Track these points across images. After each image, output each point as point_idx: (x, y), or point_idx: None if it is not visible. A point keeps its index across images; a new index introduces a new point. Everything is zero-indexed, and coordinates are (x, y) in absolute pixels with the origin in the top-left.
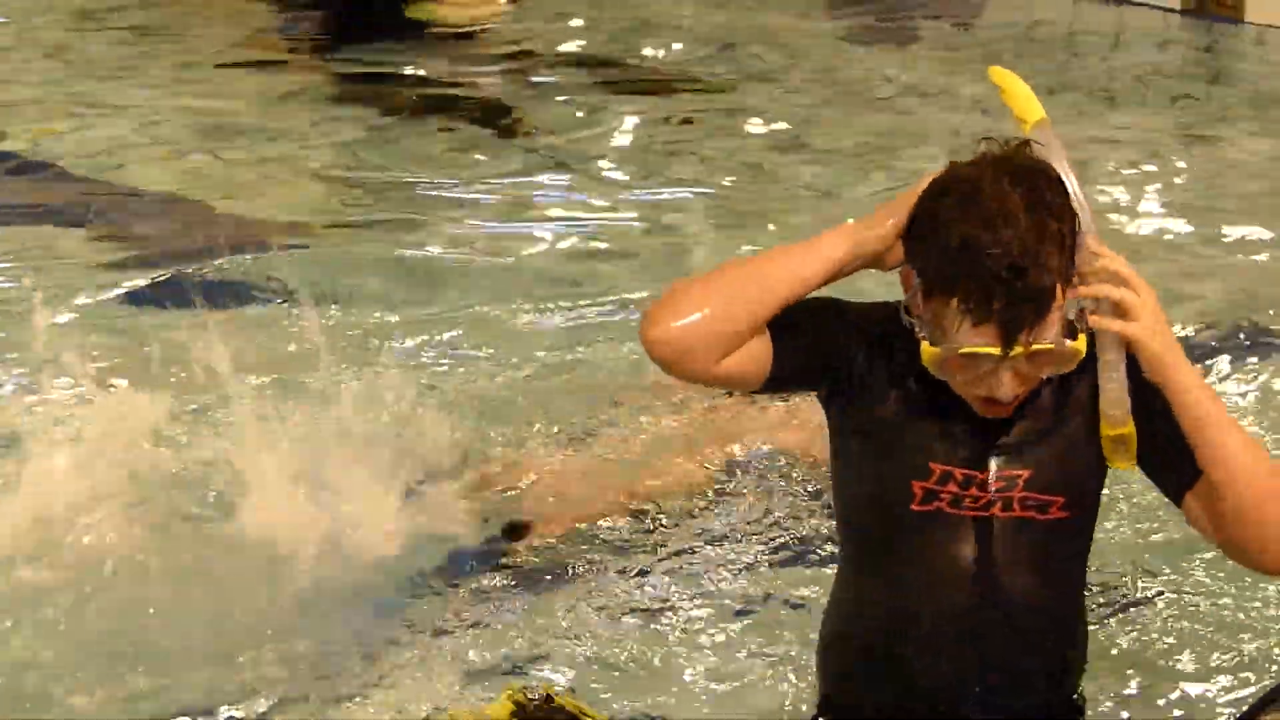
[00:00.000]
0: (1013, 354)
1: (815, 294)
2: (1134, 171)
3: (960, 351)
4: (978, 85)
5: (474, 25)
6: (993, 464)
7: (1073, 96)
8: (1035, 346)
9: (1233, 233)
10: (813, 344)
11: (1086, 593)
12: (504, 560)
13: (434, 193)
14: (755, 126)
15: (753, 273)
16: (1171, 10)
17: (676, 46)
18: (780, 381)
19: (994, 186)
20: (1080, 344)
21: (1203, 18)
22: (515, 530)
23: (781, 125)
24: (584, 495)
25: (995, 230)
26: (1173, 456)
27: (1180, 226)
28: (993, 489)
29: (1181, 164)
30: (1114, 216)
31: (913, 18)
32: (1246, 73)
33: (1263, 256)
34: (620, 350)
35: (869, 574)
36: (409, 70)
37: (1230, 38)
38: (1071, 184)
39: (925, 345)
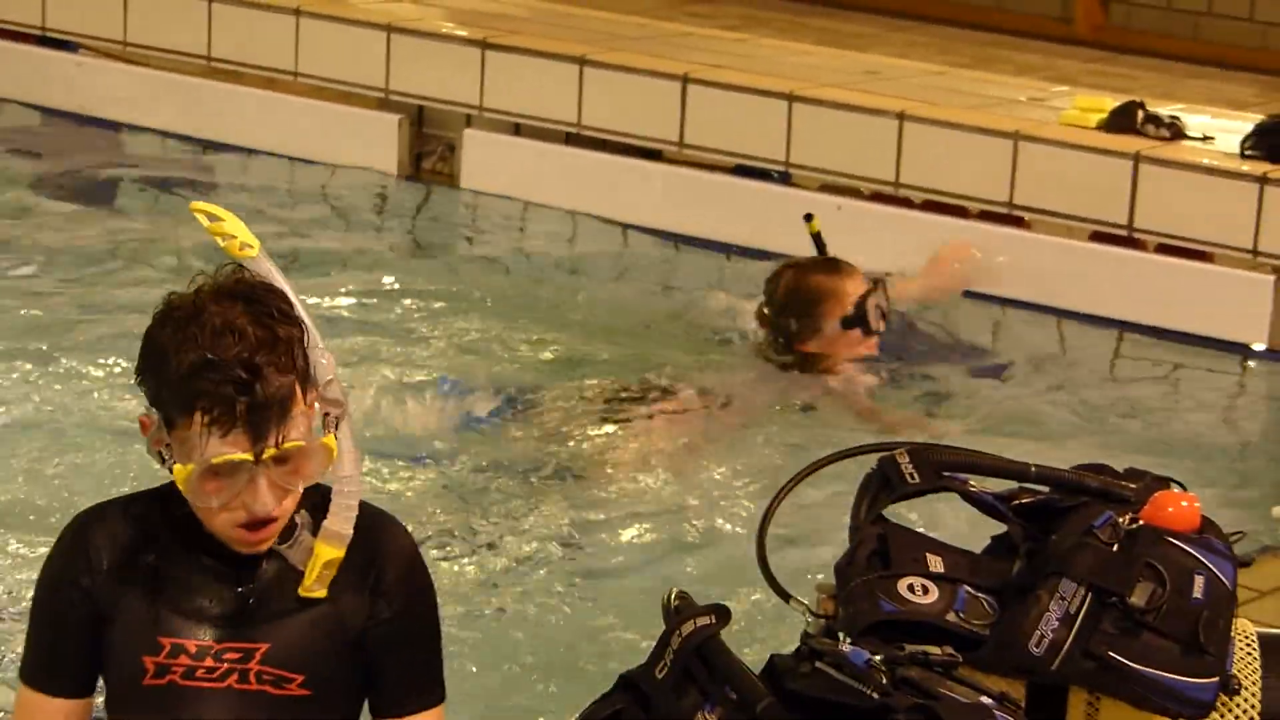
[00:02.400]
0: (265, 455)
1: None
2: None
3: (213, 462)
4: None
5: None
6: (229, 636)
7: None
8: (286, 445)
9: None
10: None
11: None
12: None
13: None
14: None
15: None
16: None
17: None
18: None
19: (215, 305)
20: (331, 441)
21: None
22: None
23: None
24: None
25: (224, 342)
26: (404, 682)
27: None
28: (226, 661)
29: None
30: None
31: None
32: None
33: None
34: None
35: None
36: None
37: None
38: (294, 299)
39: (178, 467)
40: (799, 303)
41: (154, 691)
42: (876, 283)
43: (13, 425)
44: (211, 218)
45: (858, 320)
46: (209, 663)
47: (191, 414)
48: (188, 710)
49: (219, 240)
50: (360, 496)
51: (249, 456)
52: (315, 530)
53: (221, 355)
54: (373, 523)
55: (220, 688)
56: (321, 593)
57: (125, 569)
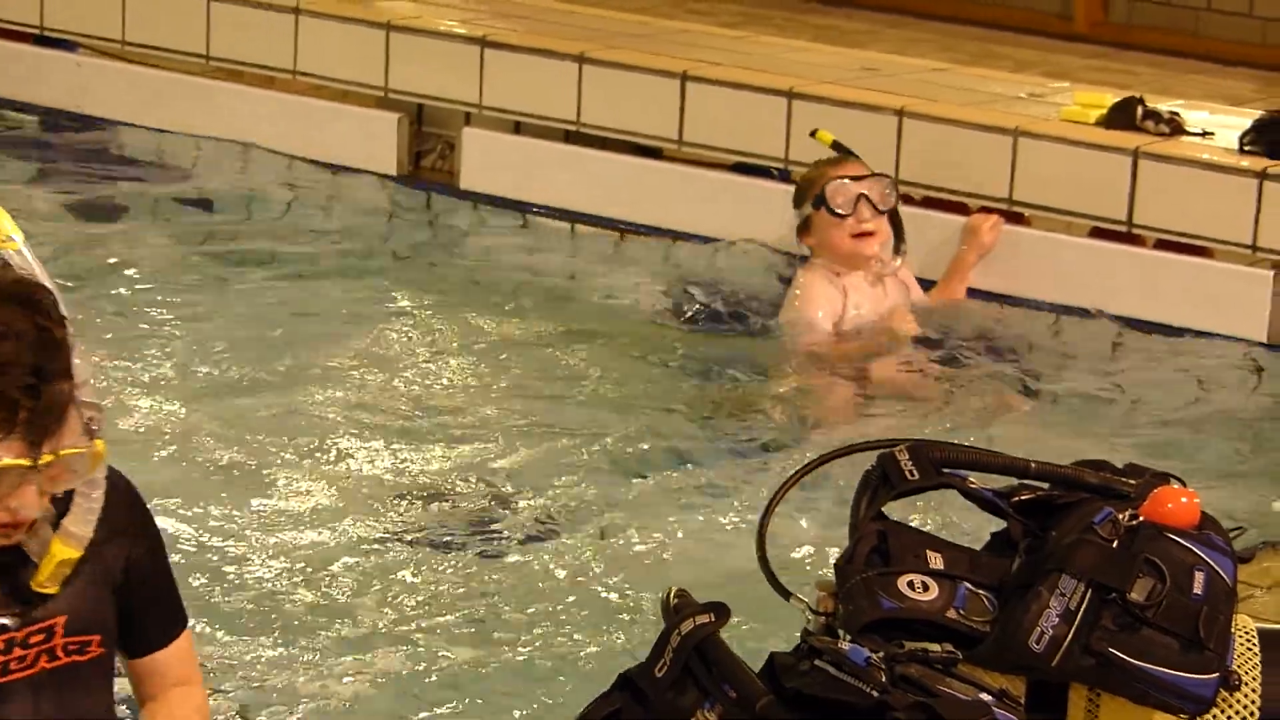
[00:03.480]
0: (41, 462)
1: None
2: None
3: None
4: None
5: None
6: (26, 621)
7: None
8: (63, 453)
9: None
10: None
11: None
12: None
13: None
14: None
15: None
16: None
17: None
18: None
19: None
20: (101, 445)
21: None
22: None
23: None
24: None
25: (5, 348)
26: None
27: None
28: (34, 644)
29: None
30: None
31: None
32: None
33: None
34: None
35: None
36: None
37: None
38: (58, 295)
39: None
40: (795, 196)
41: None
42: (861, 178)
43: None
44: None
45: (820, 201)
46: (17, 653)
47: None
48: (10, 704)
49: None
50: (102, 500)
51: (27, 462)
52: (55, 524)
53: (5, 359)
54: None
55: (34, 674)
56: (54, 589)
57: None
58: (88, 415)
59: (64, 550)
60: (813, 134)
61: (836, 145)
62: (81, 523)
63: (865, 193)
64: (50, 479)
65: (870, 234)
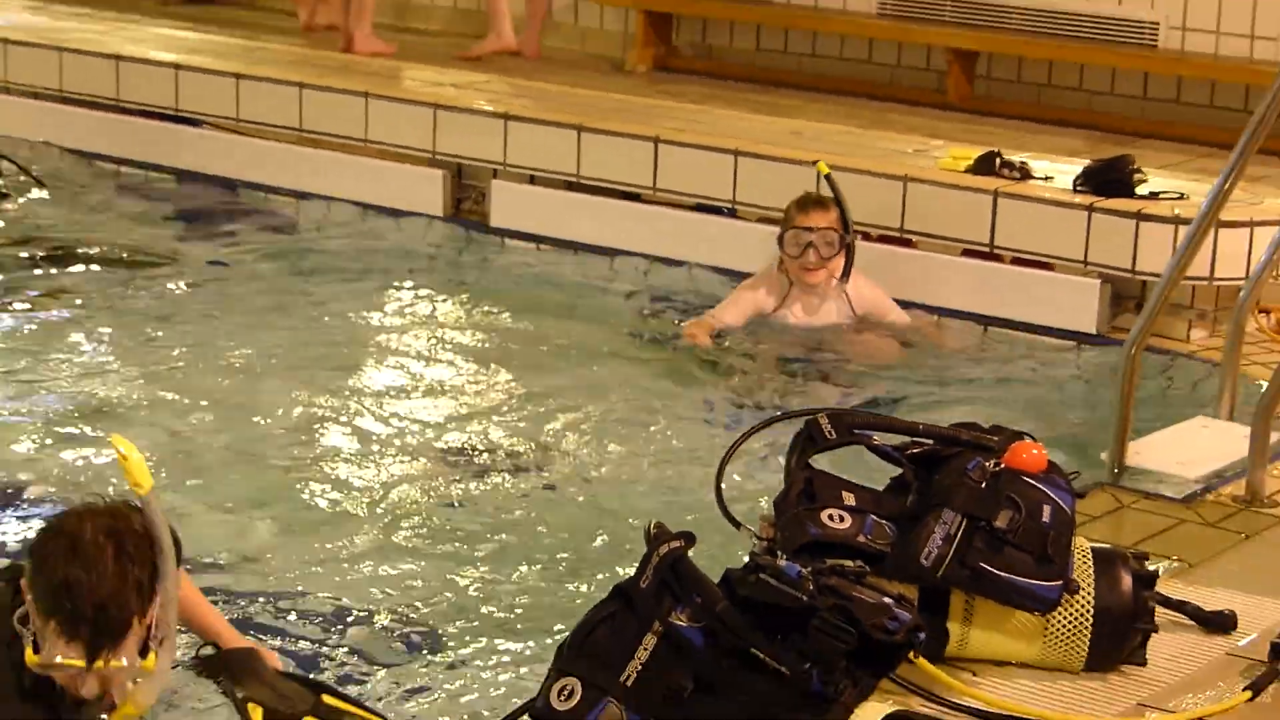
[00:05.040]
0: (94, 667)
1: None
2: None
3: (54, 663)
4: None
5: None
6: None
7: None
8: (112, 664)
9: None
10: None
11: None
12: None
13: None
14: None
15: None
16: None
17: None
18: None
19: (93, 536)
20: (151, 662)
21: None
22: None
23: None
24: None
25: (88, 573)
26: None
27: None
28: None
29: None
30: None
31: None
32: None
33: None
34: None
35: None
36: None
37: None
38: (167, 541)
39: (29, 652)
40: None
41: None
42: (813, 230)
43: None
44: (123, 456)
45: (780, 240)
46: None
47: (51, 618)
48: None
49: (124, 473)
50: (165, 680)
51: (82, 664)
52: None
53: (83, 585)
54: None
55: None
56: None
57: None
58: (156, 635)
59: (129, 712)
60: (814, 164)
61: (829, 179)
62: (147, 695)
63: (813, 241)
64: (106, 678)
65: (814, 269)
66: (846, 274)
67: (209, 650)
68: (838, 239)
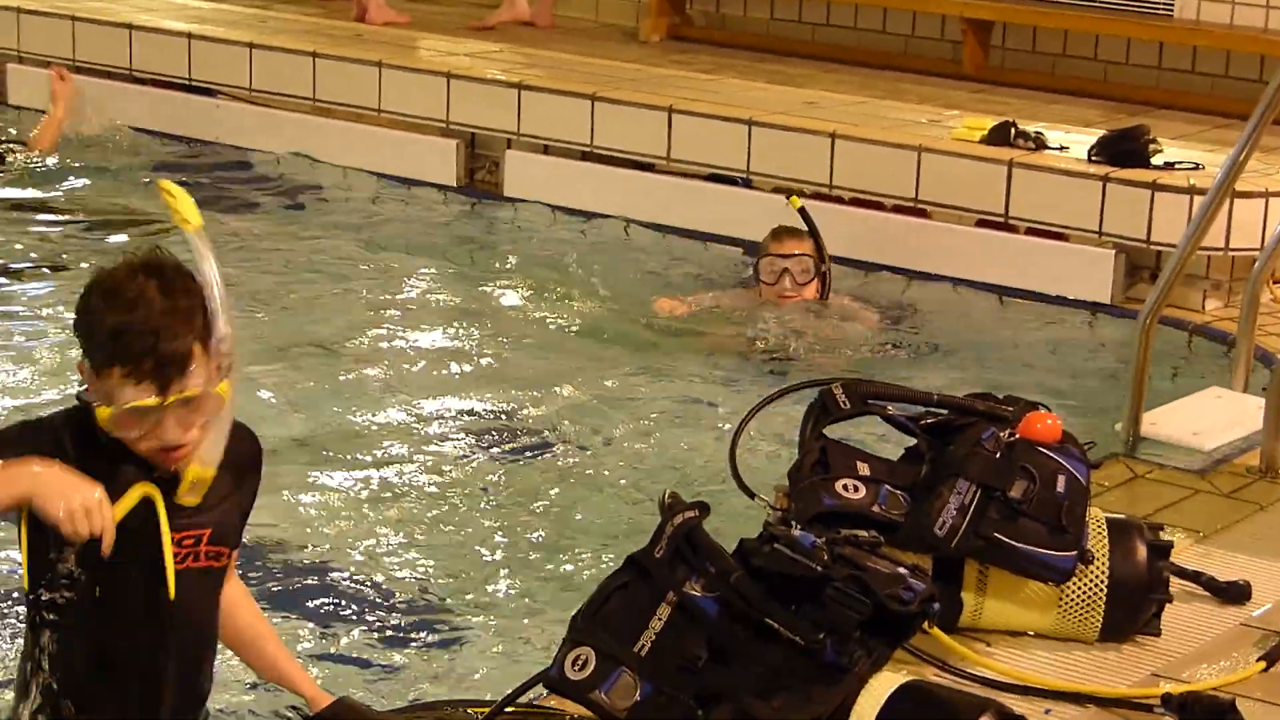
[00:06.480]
0: (168, 402)
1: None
2: None
3: (128, 407)
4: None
5: None
6: (181, 527)
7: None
8: (185, 394)
9: None
10: None
11: None
12: None
13: None
14: None
15: None
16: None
17: None
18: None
19: (130, 280)
20: (225, 388)
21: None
22: None
23: None
24: None
25: (135, 311)
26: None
27: None
28: (184, 546)
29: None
30: None
31: None
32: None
33: None
34: None
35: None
36: None
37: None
38: (213, 274)
39: (100, 410)
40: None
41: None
42: (788, 256)
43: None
44: (171, 194)
45: (756, 268)
46: (175, 550)
47: (112, 368)
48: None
49: (172, 212)
50: (228, 432)
51: (155, 401)
52: None
53: (133, 323)
54: (242, 432)
55: (181, 569)
56: (194, 500)
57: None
58: (220, 364)
59: (196, 470)
60: (787, 196)
61: (802, 211)
62: (211, 449)
63: (789, 268)
64: (184, 415)
65: (790, 295)
66: (824, 296)
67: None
68: (813, 265)
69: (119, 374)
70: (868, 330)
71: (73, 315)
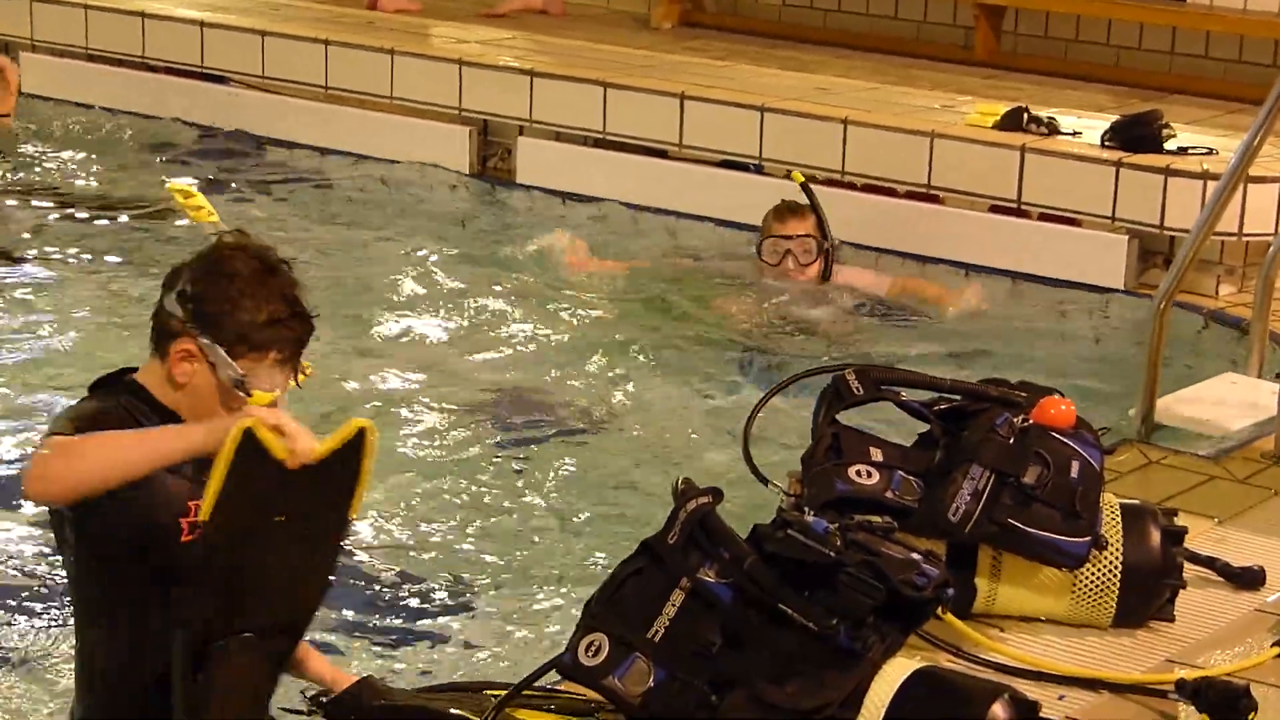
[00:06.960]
0: (308, 374)
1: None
2: None
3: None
4: None
5: None
6: None
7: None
8: (308, 372)
9: None
10: None
11: None
12: None
13: None
14: None
15: (130, 449)
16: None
17: None
18: None
19: (247, 266)
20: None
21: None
22: None
23: None
24: None
25: (288, 304)
26: None
27: None
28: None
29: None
30: None
31: None
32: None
33: None
34: None
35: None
36: None
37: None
38: None
39: (259, 394)
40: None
41: (191, 547)
42: (790, 238)
43: None
44: (186, 194)
45: (758, 250)
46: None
47: (266, 352)
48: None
49: (188, 211)
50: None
51: (292, 384)
52: None
53: (287, 314)
54: None
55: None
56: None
57: None
58: None
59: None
60: (788, 174)
61: (804, 186)
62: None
63: (791, 249)
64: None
65: (793, 275)
66: (826, 277)
67: (317, 694)
68: (815, 245)
69: (273, 359)
70: (879, 292)
71: (154, 303)
